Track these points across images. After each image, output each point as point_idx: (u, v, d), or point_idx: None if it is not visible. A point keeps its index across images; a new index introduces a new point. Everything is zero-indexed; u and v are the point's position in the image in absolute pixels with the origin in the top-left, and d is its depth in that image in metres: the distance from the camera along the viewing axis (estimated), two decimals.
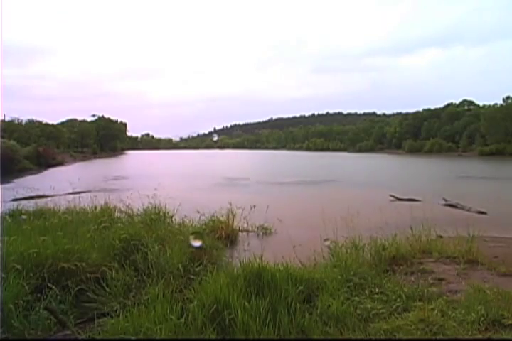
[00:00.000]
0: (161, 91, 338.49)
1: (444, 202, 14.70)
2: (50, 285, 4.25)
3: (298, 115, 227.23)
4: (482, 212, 12.54)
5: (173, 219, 8.15)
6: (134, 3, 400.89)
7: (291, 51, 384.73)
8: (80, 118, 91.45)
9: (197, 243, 5.80)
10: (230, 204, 9.35)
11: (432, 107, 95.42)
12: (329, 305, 3.81)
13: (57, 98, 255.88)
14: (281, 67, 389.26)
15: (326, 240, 5.90)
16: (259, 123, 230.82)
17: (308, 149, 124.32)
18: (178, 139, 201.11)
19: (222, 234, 8.42)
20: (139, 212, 8.14)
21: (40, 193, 14.00)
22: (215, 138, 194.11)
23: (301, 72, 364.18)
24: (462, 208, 13.59)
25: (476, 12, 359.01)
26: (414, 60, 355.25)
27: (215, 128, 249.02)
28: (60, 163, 44.81)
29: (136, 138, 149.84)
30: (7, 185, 20.35)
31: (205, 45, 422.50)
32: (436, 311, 3.69)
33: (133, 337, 3.25)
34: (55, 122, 74.56)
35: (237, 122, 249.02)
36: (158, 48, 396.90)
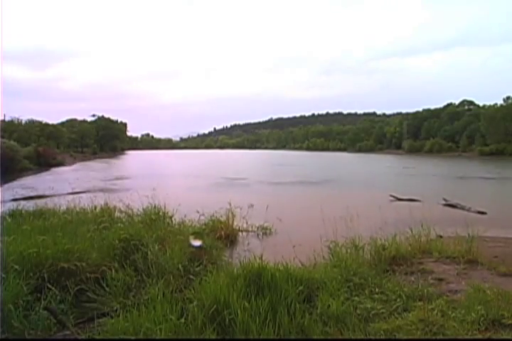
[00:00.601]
0: (170, 93, 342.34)
1: (444, 202, 14.71)
2: (49, 285, 4.24)
3: (298, 115, 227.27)
4: (482, 212, 12.55)
5: (173, 219, 8.13)
6: (150, 9, 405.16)
7: (301, 54, 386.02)
8: (79, 118, 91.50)
9: (197, 243, 5.81)
10: (230, 204, 9.34)
11: (432, 107, 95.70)
12: (329, 305, 3.81)
13: (66, 99, 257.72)
14: (290, 70, 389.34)
15: (326, 240, 5.90)
16: (259, 123, 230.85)
17: (308, 149, 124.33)
18: (178, 139, 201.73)
19: (222, 234, 8.43)
20: (138, 212, 8.13)
21: (40, 193, 14.00)
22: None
23: (309, 74, 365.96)
24: (462, 208, 13.59)
25: (481, 17, 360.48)
26: (418, 62, 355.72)
27: (215, 128, 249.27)
28: (61, 163, 44.66)
29: (136, 138, 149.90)
30: (7, 185, 20.36)
31: (216, 49, 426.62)
32: (436, 311, 3.69)
33: (133, 337, 3.24)
34: (55, 122, 74.43)
35: (237, 122, 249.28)
36: (172, 52, 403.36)
